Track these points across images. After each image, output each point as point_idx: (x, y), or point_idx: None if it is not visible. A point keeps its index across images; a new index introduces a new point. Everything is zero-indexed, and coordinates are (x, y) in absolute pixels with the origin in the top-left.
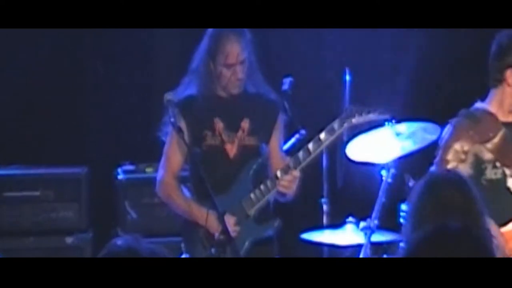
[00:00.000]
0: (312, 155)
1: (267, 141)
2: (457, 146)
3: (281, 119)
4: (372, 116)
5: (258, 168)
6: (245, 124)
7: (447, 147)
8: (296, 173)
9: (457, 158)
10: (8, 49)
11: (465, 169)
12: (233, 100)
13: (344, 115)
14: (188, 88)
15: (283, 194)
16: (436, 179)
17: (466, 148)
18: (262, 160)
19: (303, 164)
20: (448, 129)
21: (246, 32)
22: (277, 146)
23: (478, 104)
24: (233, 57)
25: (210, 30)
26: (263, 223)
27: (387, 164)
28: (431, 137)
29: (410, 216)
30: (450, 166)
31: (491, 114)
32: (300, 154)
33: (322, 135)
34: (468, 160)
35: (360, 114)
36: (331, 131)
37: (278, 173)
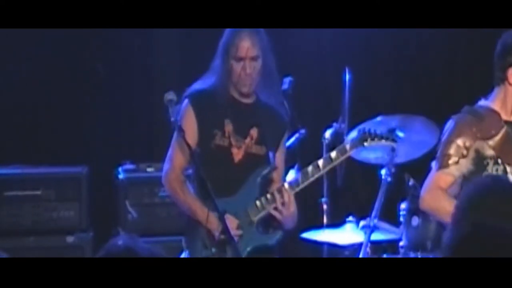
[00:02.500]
0: (321, 172)
1: (274, 151)
2: (459, 141)
3: (285, 138)
4: (384, 143)
5: (267, 175)
6: (254, 132)
7: (449, 142)
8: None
9: (458, 153)
10: (8, 49)
11: (466, 165)
12: (244, 107)
13: (357, 137)
14: (204, 82)
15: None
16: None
17: (468, 144)
18: (271, 168)
19: (312, 179)
20: (450, 124)
21: (262, 32)
22: (281, 162)
23: (482, 102)
24: (242, 50)
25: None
26: (267, 232)
27: (386, 163)
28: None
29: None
30: (451, 161)
31: (494, 112)
32: (310, 169)
33: (333, 154)
34: (470, 156)
35: (373, 139)
36: (343, 152)
37: (286, 185)
